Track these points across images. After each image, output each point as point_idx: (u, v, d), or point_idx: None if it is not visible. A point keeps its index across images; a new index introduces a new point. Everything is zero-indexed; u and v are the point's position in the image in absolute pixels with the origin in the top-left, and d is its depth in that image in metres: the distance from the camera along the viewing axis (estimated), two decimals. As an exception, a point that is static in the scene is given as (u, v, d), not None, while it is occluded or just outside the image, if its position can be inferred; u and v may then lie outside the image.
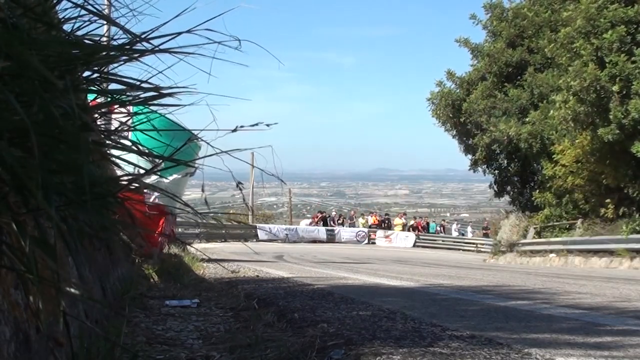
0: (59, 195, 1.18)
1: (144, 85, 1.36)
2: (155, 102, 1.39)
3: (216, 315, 3.89)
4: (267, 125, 1.64)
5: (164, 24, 1.36)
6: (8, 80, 1.03)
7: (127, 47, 1.31)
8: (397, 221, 37.41)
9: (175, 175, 6.01)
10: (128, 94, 1.38)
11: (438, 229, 38.85)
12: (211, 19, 1.36)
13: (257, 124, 1.62)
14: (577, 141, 17.39)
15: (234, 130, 1.57)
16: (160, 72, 1.42)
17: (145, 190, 1.59)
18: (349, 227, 37.46)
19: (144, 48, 1.32)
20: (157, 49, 1.33)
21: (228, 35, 1.42)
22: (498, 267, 15.76)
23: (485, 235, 35.85)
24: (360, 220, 38.99)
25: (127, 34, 1.32)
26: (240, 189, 1.71)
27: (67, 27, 1.43)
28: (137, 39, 1.31)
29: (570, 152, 17.97)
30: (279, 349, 2.54)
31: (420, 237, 35.21)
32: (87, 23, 1.38)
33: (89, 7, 1.34)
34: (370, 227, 36.94)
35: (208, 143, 1.53)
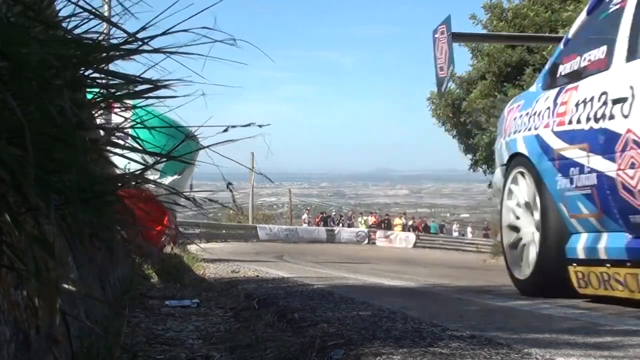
0: (58, 194, 1.18)
1: (139, 77, 1.36)
2: (151, 94, 1.39)
3: (216, 315, 3.89)
4: (260, 126, 1.61)
5: (159, 21, 1.36)
6: (6, 79, 1.03)
7: (123, 45, 1.31)
8: (397, 221, 37.46)
9: (175, 176, 6.02)
10: (124, 87, 1.38)
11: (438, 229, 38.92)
12: (206, 10, 1.36)
13: (249, 125, 1.60)
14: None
15: (225, 130, 1.55)
16: (157, 64, 1.41)
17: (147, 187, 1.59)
18: (348, 227, 37.50)
19: (139, 47, 1.32)
20: (153, 49, 1.33)
21: (226, 34, 1.42)
22: (498, 267, 15.76)
23: (486, 235, 35.86)
24: (359, 220, 39.01)
25: (123, 32, 1.32)
26: (231, 190, 1.70)
27: (64, 25, 1.43)
28: (133, 38, 1.31)
29: (571, 152, 17.97)
30: (279, 349, 2.54)
31: (421, 237, 35.26)
32: (86, 20, 1.38)
33: (85, 6, 1.34)
34: (370, 227, 36.97)
35: (202, 146, 1.53)
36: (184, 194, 1.69)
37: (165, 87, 1.36)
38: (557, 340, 2.79)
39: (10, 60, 0.99)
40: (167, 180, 5.68)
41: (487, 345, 2.59)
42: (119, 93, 1.40)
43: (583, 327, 3.27)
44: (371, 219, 38.02)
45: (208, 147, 1.50)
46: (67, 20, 1.38)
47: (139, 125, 1.58)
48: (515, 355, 2.42)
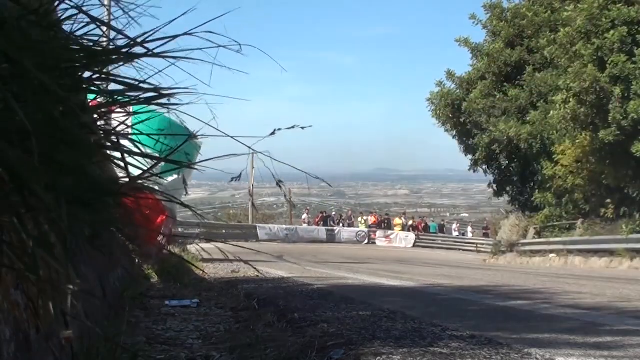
0: (57, 194, 1.18)
1: (143, 85, 1.36)
2: (155, 102, 1.40)
3: (216, 315, 3.89)
4: (302, 128, 1.79)
5: (164, 26, 1.36)
6: (8, 81, 1.03)
7: (125, 50, 1.31)
8: (397, 221, 37.38)
9: (175, 176, 6.00)
10: (128, 94, 1.38)
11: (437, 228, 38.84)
12: (210, 20, 1.36)
13: (293, 127, 1.78)
14: (577, 141, 17.40)
15: (272, 134, 1.67)
16: (160, 71, 1.41)
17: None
18: (348, 227, 37.41)
19: (142, 52, 1.32)
20: (153, 52, 1.32)
21: (229, 39, 1.41)
22: (498, 267, 15.77)
23: (485, 235, 35.80)
24: (359, 220, 38.91)
25: (126, 37, 1.32)
26: (280, 187, 1.80)
27: (67, 27, 1.43)
28: (135, 42, 1.30)
29: (571, 152, 17.98)
30: (279, 349, 2.54)
31: (420, 237, 35.17)
32: (86, 24, 1.38)
33: (89, 12, 1.34)
34: (370, 227, 36.89)
35: (203, 157, 1.54)
36: (183, 198, 1.71)
37: (169, 95, 1.37)
38: (557, 340, 2.79)
39: (13, 61, 0.98)
40: (165, 182, 5.68)
41: (487, 345, 2.59)
42: (123, 99, 1.40)
43: (583, 327, 3.27)
44: (371, 219, 37.87)
45: (217, 158, 1.53)
46: (71, 21, 1.38)
47: (143, 128, 1.58)
48: (515, 355, 2.43)
